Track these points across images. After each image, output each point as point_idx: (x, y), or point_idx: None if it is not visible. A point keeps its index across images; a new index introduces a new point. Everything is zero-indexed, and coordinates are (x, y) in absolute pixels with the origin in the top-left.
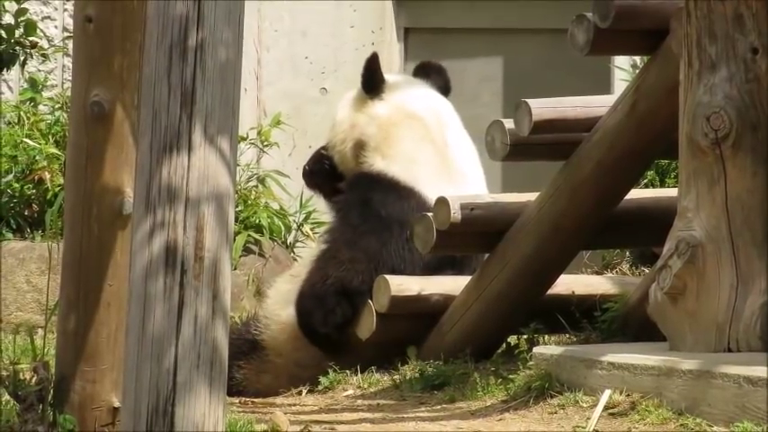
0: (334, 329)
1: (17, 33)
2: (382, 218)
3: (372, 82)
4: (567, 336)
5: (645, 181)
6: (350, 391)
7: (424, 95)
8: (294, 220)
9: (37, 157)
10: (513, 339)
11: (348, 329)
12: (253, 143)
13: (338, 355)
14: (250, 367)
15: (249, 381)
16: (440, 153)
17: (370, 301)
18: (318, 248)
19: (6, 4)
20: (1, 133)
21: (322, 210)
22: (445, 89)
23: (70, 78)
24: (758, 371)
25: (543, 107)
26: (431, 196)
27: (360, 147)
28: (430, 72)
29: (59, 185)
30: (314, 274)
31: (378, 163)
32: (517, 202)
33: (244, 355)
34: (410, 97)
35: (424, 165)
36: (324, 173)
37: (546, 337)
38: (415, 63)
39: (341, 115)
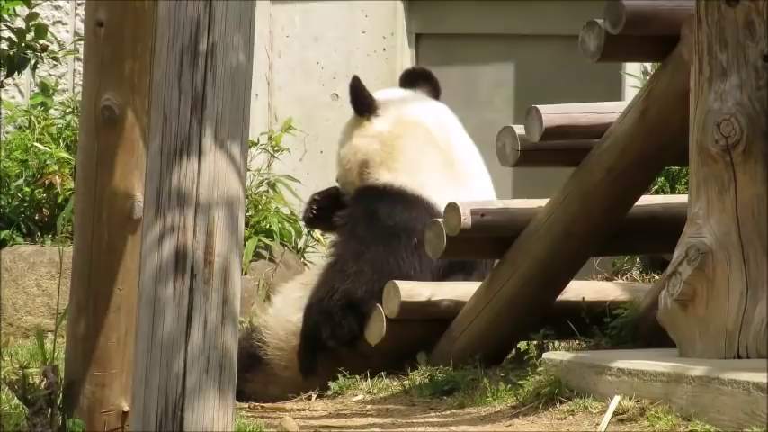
0: (342, 344)
1: (28, 37)
2: (389, 228)
3: (363, 103)
4: (577, 342)
5: (655, 187)
6: (359, 396)
7: (420, 103)
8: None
9: (47, 162)
10: (522, 345)
11: (354, 343)
12: (264, 148)
13: (318, 380)
14: (257, 380)
15: (258, 393)
16: (445, 157)
17: (380, 306)
18: (326, 261)
19: (18, 8)
20: (11, 137)
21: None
22: (435, 93)
23: (81, 83)
24: (767, 377)
25: (554, 113)
26: (439, 203)
27: (364, 166)
28: (417, 79)
29: (70, 190)
30: (320, 287)
31: (384, 176)
32: (528, 208)
33: (249, 367)
34: (407, 107)
35: (430, 171)
36: (315, 217)
37: (556, 342)
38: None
39: (343, 149)
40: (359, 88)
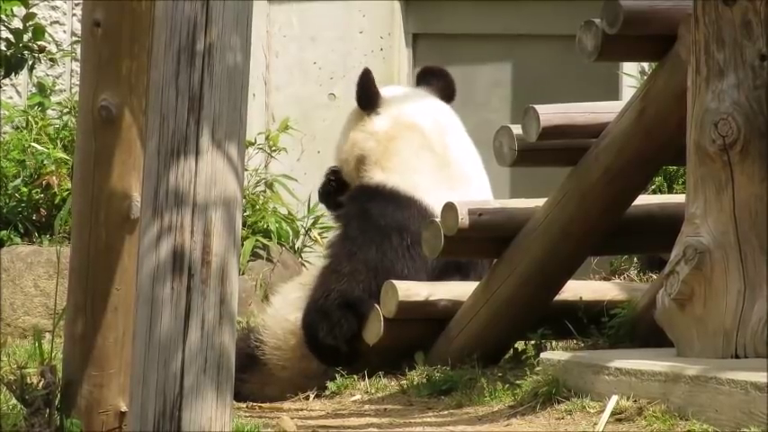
0: (342, 342)
1: (25, 38)
2: (381, 227)
3: (367, 98)
4: (575, 341)
5: (653, 187)
6: (357, 396)
7: (421, 104)
8: (302, 225)
9: (45, 162)
10: (520, 345)
11: (355, 342)
12: (261, 148)
13: (344, 366)
14: (255, 380)
15: (255, 394)
16: (440, 160)
17: (377, 306)
18: (321, 263)
19: (15, 8)
20: (9, 137)
21: (330, 216)
22: (448, 93)
23: (78, 83)
24: (765, 377)
25: (551, 113)
26: (432, 203)
27: (361, 162)
28: (431, 78)
29: (67, 190)
30: (317, 289)
31: (377, 175)
32: (525, 208)
33: (246, 368)
34: (407, 108)
35: (423, 173)
36: (334, 193)
37: (553, 342)
38: None
39: (342, 137)
40: (367, 82)
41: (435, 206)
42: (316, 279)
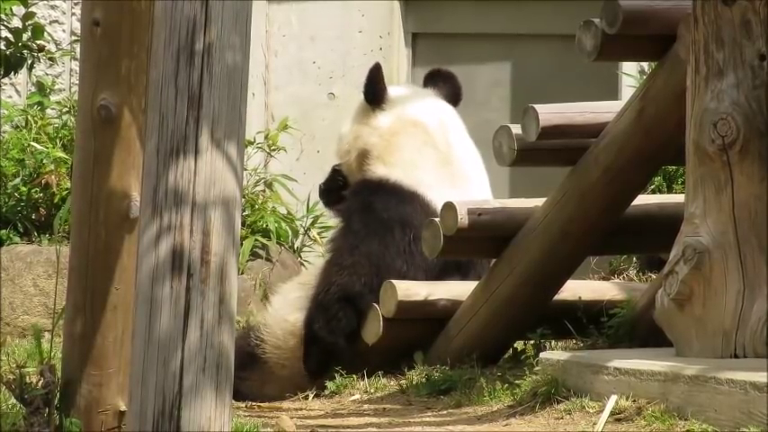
0: (340, 337)
1: (25, 37)
2: (384, 221)
3: (374, 93)
4: (574, 341)
5: (652, 187)
6: (356, 396)
7: (426, 103)
8: (301, 225)
9: (44, 161)
10: (519, 344)
11: (355, 340)
12: (260, 147)
13: (323, 378)
14: (255, 378)
15: (255, 393)
16: (443, 158)
17: (376, 305)
18: (324, 258)
19: (14, 8)
20: (8, 137)
21: (329, 214)
22: (454, 97)
23: (78, 82)
24: (764, 377)
25: (551, 113)
26: (434, 200)
27: (364, 156)
28: (439, 80)
29: (66, 189)
30: (318, 285)
31: (380, 170)
32: (524, 208)
33: (246, 366)
34: (412, 106)
35: (426, 169)
36: (338, 190)
37: (553, 342)
38: (423, 68)
39: (345, 128)
40: (375, 77)
41: (438, 203)
42: (318, 276)
